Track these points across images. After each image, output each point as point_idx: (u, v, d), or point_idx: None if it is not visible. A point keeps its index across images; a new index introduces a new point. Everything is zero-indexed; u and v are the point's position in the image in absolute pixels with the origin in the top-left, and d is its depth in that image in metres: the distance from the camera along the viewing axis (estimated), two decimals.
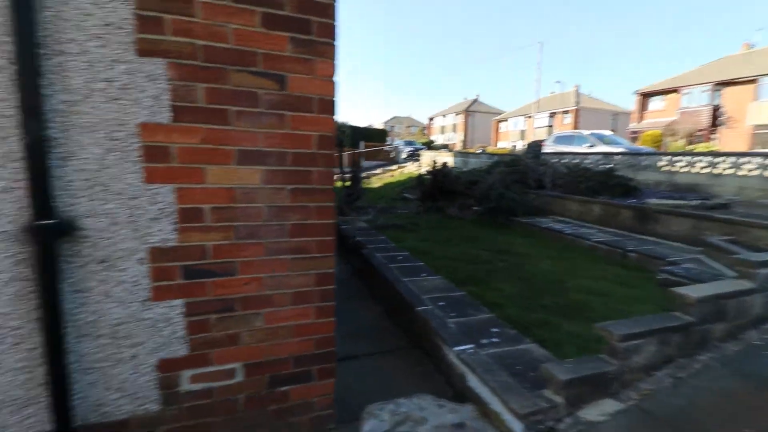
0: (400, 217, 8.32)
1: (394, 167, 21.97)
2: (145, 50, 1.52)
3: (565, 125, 38.16)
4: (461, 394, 2.23)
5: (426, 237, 6.27)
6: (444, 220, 8.14)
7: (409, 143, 32.36)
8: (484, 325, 2.83)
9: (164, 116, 1.57)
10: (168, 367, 1.68)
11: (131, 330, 1.61)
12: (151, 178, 1.57)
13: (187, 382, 1.71)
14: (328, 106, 1.83)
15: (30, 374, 1.51)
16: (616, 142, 14.63)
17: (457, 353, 2.33)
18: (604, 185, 8.32)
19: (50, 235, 1.44)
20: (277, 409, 1.88)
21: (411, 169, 19.55)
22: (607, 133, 16.48)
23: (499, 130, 50.23)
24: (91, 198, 1.51)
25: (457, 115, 57.56)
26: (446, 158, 16.86)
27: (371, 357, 2.74)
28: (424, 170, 12.23)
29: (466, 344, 2.43)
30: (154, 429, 1.69)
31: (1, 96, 1.38)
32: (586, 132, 15.41)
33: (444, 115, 62.08)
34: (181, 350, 1.69)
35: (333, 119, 1.85)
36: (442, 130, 61.35)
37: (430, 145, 35.75)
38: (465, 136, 53.45)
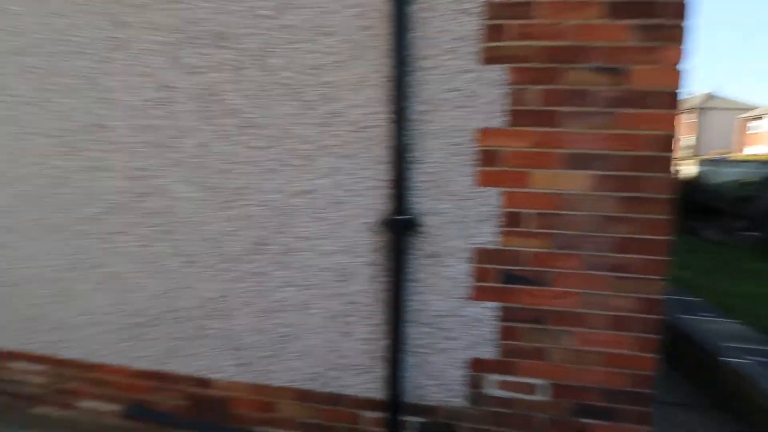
0: None
1: None
2: (489, 58, 1.57)
3: None
4: None
5: (683, 263, 5.04)
6: (697, 244, 6.45)
7: None
8: None
9: (498, 121, 1.59)
10: (477, 367, 1.70)
11: (449, 324, 1.70)
12: (481, 181, 1.62)
13: (491, 385, 1.71)
14: (671, 100, 1.53)
15: (371, 346, 1.76)
16: None
17: None
18: None
19: (401, 229, 1.64)
20: None
21: None
22: None
23: (746, 131, 37.26)
24: (431, 198, 1.65)
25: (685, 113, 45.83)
26: (690, 167, 13.49)
27: (663, 406, 2.25)
28: None
29: None
30: (456, 423, 1.75)
31: (377, 109, 1.65)
32: None
33: None
34: (489, 353, 1.69)
35: (676, 115, 1.54)
36: None
37: None
38: (697, 139, 41.96)
